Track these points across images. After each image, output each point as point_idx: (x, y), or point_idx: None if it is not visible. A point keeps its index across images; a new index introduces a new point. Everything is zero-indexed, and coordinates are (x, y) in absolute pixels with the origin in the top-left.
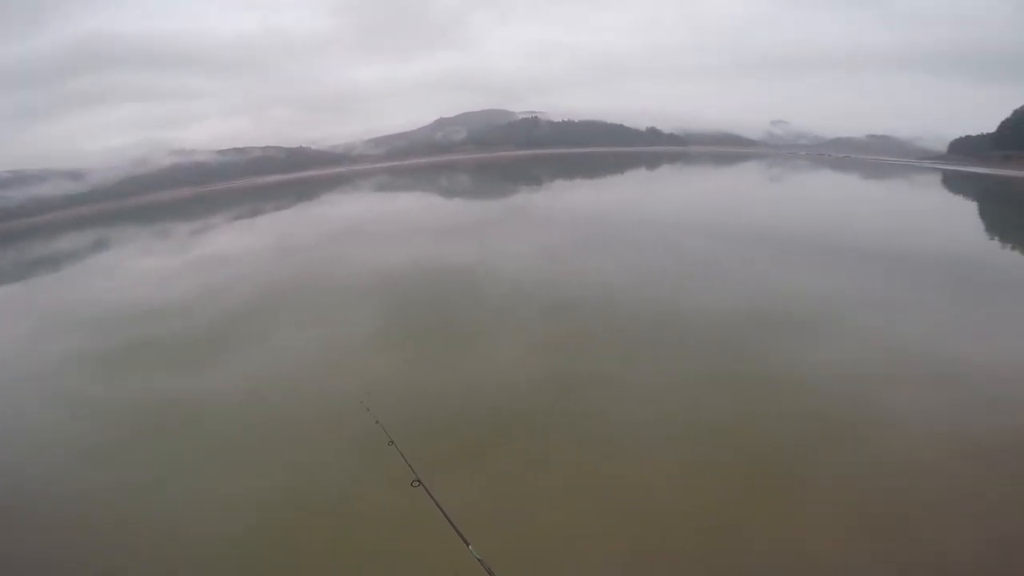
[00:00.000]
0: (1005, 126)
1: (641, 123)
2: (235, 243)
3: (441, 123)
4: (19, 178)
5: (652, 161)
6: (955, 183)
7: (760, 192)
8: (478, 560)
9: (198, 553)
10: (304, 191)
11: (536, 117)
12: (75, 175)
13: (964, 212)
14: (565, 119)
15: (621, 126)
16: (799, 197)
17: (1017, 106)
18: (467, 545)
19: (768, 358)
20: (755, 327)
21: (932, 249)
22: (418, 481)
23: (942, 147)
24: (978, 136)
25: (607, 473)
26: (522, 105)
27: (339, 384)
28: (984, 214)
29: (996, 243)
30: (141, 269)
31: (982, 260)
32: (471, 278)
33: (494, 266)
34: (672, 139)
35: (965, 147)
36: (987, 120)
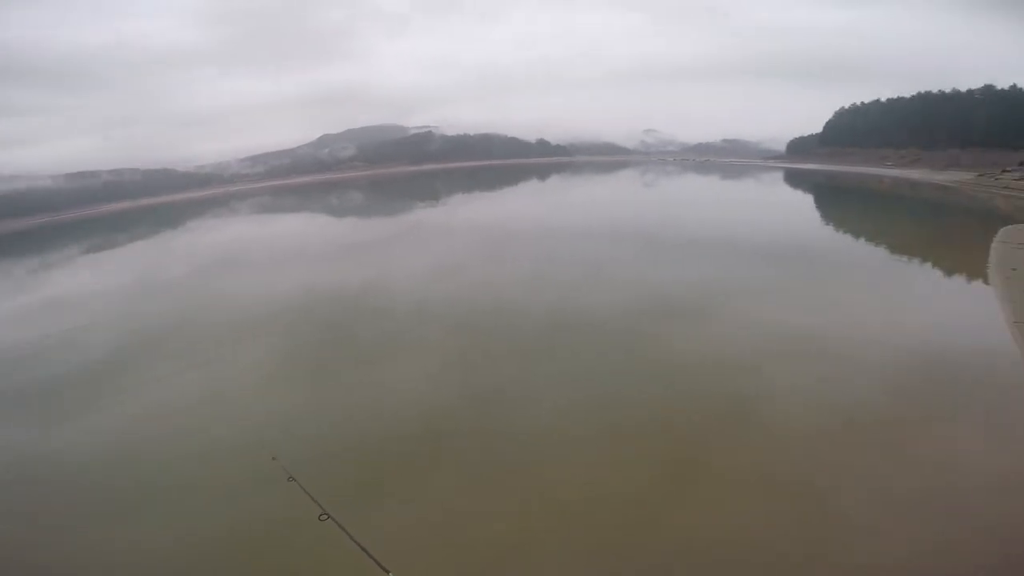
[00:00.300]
0: (828, 126)
1: (532, 135)
2: (87, 282)
3: (326, 139)
4: None
5: (543, 172)
6: (793, 178)
7: (638, 196)
8: None
9: None
10: (168, 217)
11: (430, 131)
12: None
13: (803, 203)
14: (460, 133)
15: (514, 139)
16: (670, 199)
17: (837, 108)
18: (387, 573)
19: (659, 348)
20: (643, 320)
21: (783, 237)
22: (326, 514)
23: (781, 147)
24: (809, 136)
25: (524, 483)
26: (415, 120)
27: (228, 425)
28: (819, 204)
29: (831, 228)
30: None
31: (823, 244)
32: (368, 299)
33: (392, 285)
34: (559, 150)
35: (799, 147)
36: (816, 121)
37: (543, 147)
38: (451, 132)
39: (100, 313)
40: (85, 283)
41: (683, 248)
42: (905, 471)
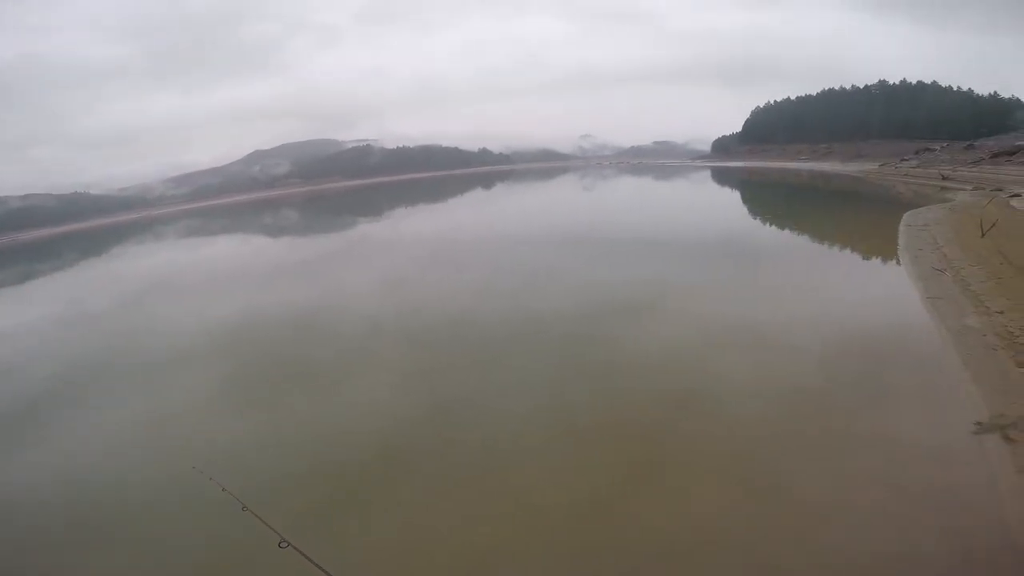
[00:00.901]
0: (747, 125)
1: (474, 145)
2: (7, 316)
3: (258, 155)
4: None
5: (487, 181)
6: (720, 176)
7: (578, 200)
8: None
9: None
10: (89, 245)
11: (369, 145)
12: None
13: (731, 199)
14: (400, 145)
15: (456, 149)
16: (608, 201)
17: (754, 107)
18: None
19: (610, 348)
20: (594, 322)
21: (716, 232)
22: (285, 542)
23: (707, 147)
24: (730, 135)
25: (488, 494)
26: (352, 133)
27: (172, 458)
28: (745, 199)
29: (759, 221)
30: None
31: (753, 236)
32: (313, 319)
33: (338, 303)
34: (501, 158)
35: (722, 145)
36: (736, 121)
37: (485, 156)
38: (391, 145)
39: (23, 350)
40: (4, 319)
41: (624, 249)
42: (854, 450)
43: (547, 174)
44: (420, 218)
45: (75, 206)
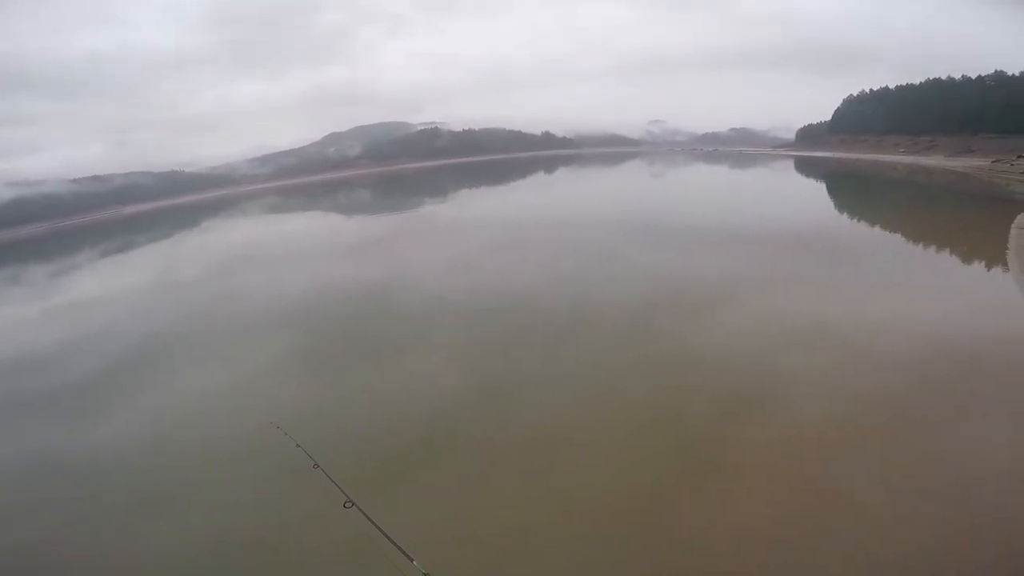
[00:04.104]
0: (838, 114)
1: (536, 128)
2: (112, 282)
3: (333, 138)
4: None
5: (550, 165)
6: (805, 167)
7: (648, 187)
8: (424, 575)
9: None
10: (182, 219)
11: (436, 127)
12: None
13: (817, 191)
14: (465, 128)
15: (519, 132)
16: (681, 189)
17: (845, 95)
18: (411, 561)
19: (675, 339)
20: (659, 312)
21: (798, 225)
22: (350, 502)
23: (790, 136)
24: (817, 124)
25: (543, 471)
26: (420, 117)
27: (252, 415)
28: (833, 191)
29: (847, 216)
30: None
31: (840, 231)
32: (384, 293)
33: (406, 279)
34: (565, 142)
35: (808, 134)
36: (823, 109)
37: (548, 140)
38: (457, 128)
39: (124, 313)
40: (109, 284)
41: (696, 238)
42: (927, 464)
43: (614, 159)
44: (484, 200)
45: (170, 183)
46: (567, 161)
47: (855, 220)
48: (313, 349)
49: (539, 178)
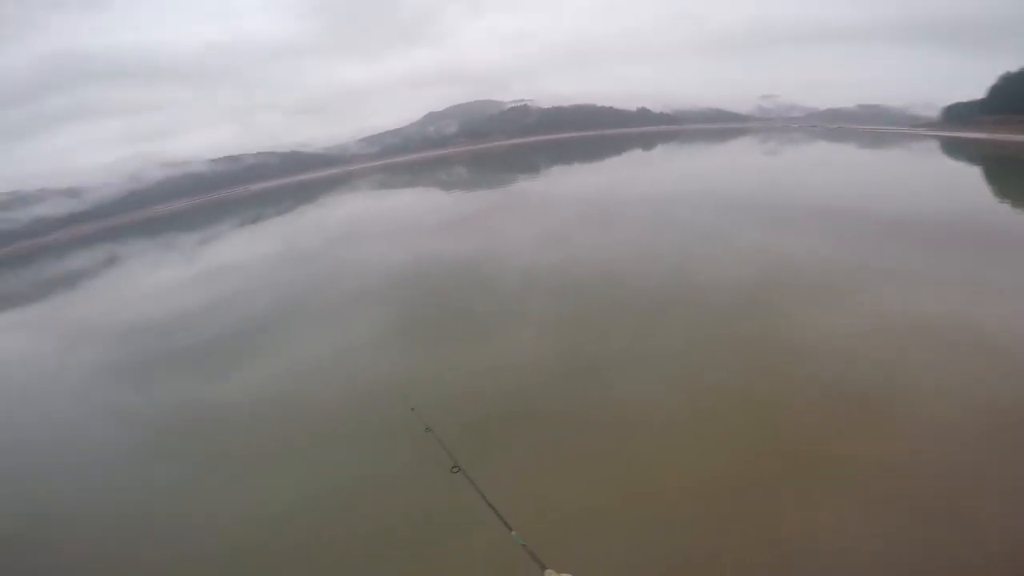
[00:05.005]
0: (996, 91)
1: (631, 104)
2: (245, 250)
3: (432, 117)
4: (18, 199)
5: (647, 142)
6: (954, 149)
7: (758, 166)
8: (522, 545)
9: (239, 548)
10: (303, 194)
11: (526, 105)
12: (72, 193)
13: (970, 177)
14: (554, 105)
15: (611, 108)
16: (798, 169)
17: (1003, 72)
18: (510, 531)
19: (781, 327)
20: (765, 297)
21: (941, 215)
22: (458, 467)
23: (934, 114)
24: (969, 102)
25: (641, 452)
26: (509, 94)
27: (369, 377)
28: (990, 178)
29: (1007, 207)
30: (158, 282)
31: (993, 225)
32: (485, 267)
33: (505, 254)
34: (663, 118)
35: (956, 113)
36: (973, 86)
37: (644, 116)
38: (546, 104)
39: (253, 280)
40: (244, 252)
41: (815, 222)
42: None
43: (719, 136)
44: (576, 176)
45: (293, 162)
46: (666, 138)
47: (1019, 211)
48: (419, 319)
49: (636, 155)
